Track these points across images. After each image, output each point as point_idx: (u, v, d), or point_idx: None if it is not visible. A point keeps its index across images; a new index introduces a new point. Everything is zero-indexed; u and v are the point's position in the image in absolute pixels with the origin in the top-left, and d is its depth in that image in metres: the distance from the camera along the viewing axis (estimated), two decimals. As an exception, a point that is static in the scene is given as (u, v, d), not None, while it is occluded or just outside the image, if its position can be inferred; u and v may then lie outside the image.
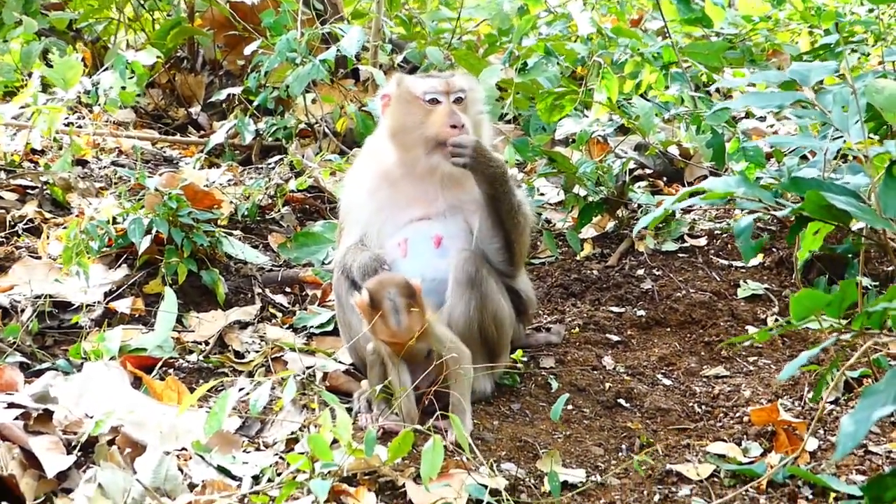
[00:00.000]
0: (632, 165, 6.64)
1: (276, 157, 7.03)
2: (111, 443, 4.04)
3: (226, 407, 3.80)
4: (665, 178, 7.04)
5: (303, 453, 3.85)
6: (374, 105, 5.21)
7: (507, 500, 3.83)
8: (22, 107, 7.14)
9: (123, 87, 7.07)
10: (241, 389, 4.01)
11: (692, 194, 3.44)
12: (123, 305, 5.21)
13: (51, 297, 5.11)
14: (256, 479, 3.99)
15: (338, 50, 6.87)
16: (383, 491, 4.00)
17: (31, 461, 3.85)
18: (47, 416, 4.10)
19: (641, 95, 6.45)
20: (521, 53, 6.77)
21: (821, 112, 3.75)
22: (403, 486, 3.99)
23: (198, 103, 9.00)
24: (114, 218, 5.33)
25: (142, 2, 9.40)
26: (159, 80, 9.25)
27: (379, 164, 4.92)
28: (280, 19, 7.46)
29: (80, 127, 7.40)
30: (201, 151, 7.41)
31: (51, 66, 7.20)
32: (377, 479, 4.04)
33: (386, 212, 4.84)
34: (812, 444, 4.40)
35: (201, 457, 4.09)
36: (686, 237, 6.20)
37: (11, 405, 4.09)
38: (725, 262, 5.95)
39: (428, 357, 4.37)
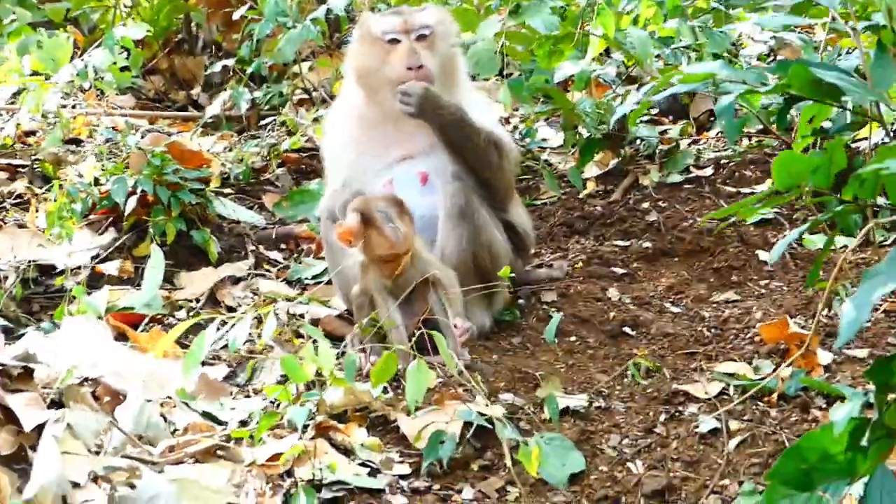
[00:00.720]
0: (634, 105, 6.42)
1: (270, 120, 6.86)
2: (95, 396, 3.92)
3: (203, 345, 3.64)
4: (671, 116, 6.82)
5: (282, 382, 3.70)
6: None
7: (504, 425, 3.66)
8: (15, 93, 7.07)
9: (115, 64, 6.91)
10: (219, 329, 3.84)
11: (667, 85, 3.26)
12: (111, 268, 5.08)
13: (35, 262, 4.97)
14: (244, 423, 3.84)
15: (328, 9, 6.71)
16: (375, 426, 3.86)
17: (9, 417, 3.72)
18: (28, 374, 3.96)
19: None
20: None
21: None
22: (395, 420, 3.84)
23: (198, 84, 8.86)
24: (97, 180, 5.19)
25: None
26: (159, 66, 9.12)
27: (353, 107, 4.79)
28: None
29: (74, 107, 7.28)
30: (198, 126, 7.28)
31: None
32: (368, 415, 3.89)
33: (368, 155, 4.71)
34: (826, 357, 4.21)
35: (186, 404, 3.96)
36: (692, 168, 5.97)
37: (-10, 364, 3.97)
38: (733, 190, 5.72)
39: (415, 291, 4.22)
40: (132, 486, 3.19)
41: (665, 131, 6.35)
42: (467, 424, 3.73)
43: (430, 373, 3.43)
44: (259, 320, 3.81)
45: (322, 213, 4.76)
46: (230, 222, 5.66)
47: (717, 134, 6.39)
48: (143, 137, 6.32)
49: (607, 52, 6.49)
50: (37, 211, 5.59)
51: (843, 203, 2.94)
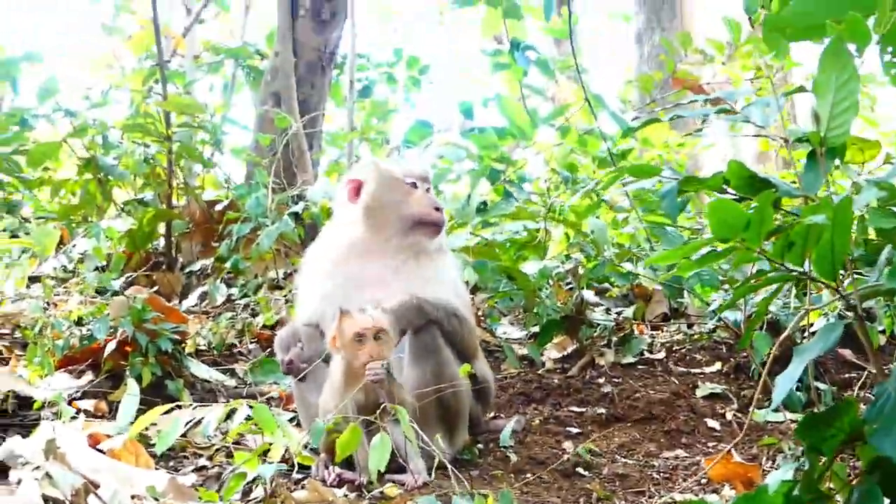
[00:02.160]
0: (593, 300, 6.85)
1: (245, 300, 7.22)
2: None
3: (177, 427, 3.87)
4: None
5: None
6: (337, 192, 5.47)
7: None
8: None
9: (98, 248, 7.29)
10: (191, 414, 4.05)
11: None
12: (87, 405, 5.28)
13: (13, 392, 5.18)
14: (212, 520, 4.00)
15: (305, 205, 7.21)
16: (338, 525, 4.03)
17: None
18: (3, 471, 4.13)
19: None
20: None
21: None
22: (360, 519, 4.03)
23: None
24: (80, 320, 5.48)
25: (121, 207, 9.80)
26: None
27: (335, 248, 5.16)
28: (252, 189, 7.84)
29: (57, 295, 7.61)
30: (173, 317, 7.59)
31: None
32: (332, 514, 4.08)
33: (338, 293, 5.00)
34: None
35: (155, 499, 4.12)
36: (645, 352, 6.35)
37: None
38: (684, 370, 6.08)
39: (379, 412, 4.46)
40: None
41: (619, 313, 6.74)
42: (428, 520, 3.92)
43: (390, 445, 3.65)
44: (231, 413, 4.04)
45: (276, 344, 5.07)
46: (202, 381, 5.91)
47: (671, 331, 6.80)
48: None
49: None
50: (17, 362, 5.83)
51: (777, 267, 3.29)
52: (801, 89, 4.21)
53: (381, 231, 5.11)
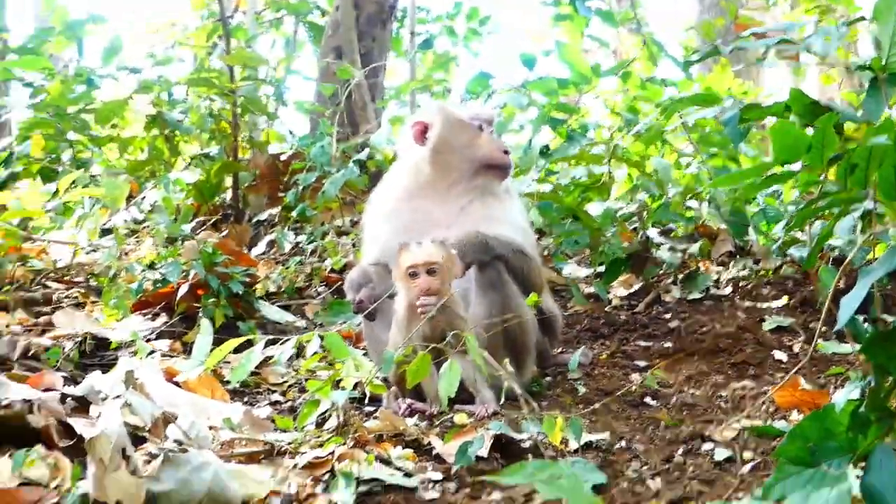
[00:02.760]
0: (658, 239, 6.87)
1: (313, 245, 7.33)
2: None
3: (253, 357, 3.98)
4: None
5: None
6: (402, 135, 5.54)
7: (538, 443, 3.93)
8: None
9: (168, 198, 7.43)
10: (266, 346, 4.16)
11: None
12: (162, 345, 5.43)
13: (91, 334, 5.34)
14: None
15: (369, 153, 7.29)
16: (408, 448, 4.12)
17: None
18: (84, 406, 4.26)
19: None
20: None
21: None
22: (428, 443, 4.12)
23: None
24: (152, 264, 5.61)
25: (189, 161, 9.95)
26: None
27: (402, 188, 5.23)
28: (317, 139, 7.94)
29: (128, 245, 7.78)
30: (243, 265, 7.73)
31: (99, 186, 7.66)
32: (402, 440, 4.17)
33: (405, 233, 5.07)
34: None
35: (231, 429, 4.24)
36: (711, 288, 6.38)
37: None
38: (750, 304, 6.10)
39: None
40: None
41: (685, 251, 6.75)
42: (496, 444, 4.00)
43: (460, 370, 3.73)
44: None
45: (347, 285, 5.13)
46: (273, 322, 6.03)
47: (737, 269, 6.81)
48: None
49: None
50: (93, 307, 5.99)
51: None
52: (862, 19, 4.21)
53: (448, 172, 5.18)
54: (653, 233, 6.54)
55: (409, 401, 4.54)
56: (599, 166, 7.43)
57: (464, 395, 4.47)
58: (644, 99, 8.12)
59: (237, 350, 4.55)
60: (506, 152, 5.23)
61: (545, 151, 6.84)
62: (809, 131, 3.29)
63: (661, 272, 6.50)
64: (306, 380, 5.01)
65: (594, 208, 6.69)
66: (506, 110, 8.67)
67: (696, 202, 6.56)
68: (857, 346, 5.39)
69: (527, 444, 4.05)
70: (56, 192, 7.28)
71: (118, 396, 3.67)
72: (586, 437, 4.19)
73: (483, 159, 5.17)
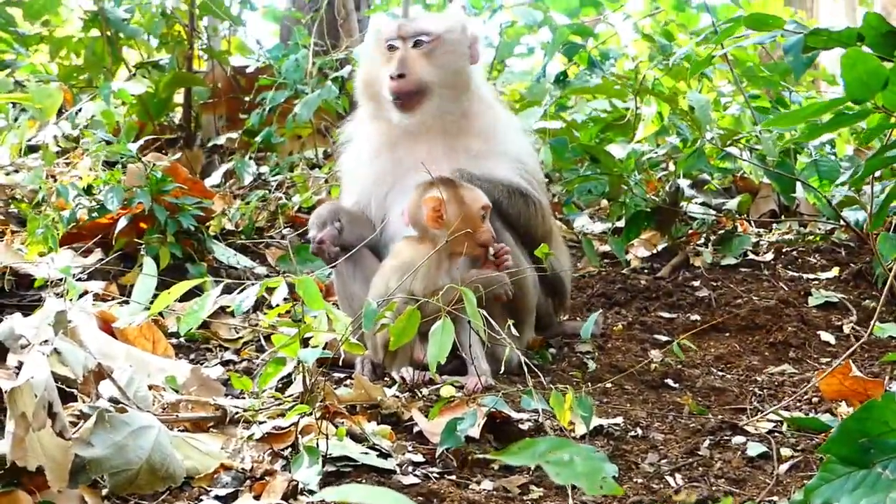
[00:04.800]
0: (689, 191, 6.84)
1: (278, 178, 7.30)
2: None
3: (206, 303, 3.95)
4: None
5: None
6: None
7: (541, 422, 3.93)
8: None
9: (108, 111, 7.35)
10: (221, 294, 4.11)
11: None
12: (95, 287, 5.38)
13: (10, 268, 5.29)
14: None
15: (350, 70, 7.22)
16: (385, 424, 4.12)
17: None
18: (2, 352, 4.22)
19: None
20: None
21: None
22: (409, 419, 4.11)
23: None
24: (89, 188, 5.57)
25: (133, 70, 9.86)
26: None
27: (375, 127, 5.19)
28: (289, 51, 7.87)
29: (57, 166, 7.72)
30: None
31: (27, 95, 7.58)
32: (378, 413, 4.16)
33: (387, 179, 5.07)
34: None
35: (175, 391, 4.22)
36: (749, 253, 6.37)
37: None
38: (795, 274, 6.10)
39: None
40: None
41: (720, 207, 6.74)
42: (489, 424, 3.99)
43: (452, 332, 3.70)
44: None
45: (311, 219, 5.08)
46: (228, 267, 6.00)
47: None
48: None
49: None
50: (13, 237, 5.94)
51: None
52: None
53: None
54: (683, 183, 6.49)
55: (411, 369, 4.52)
56: (623, 101, 7.41)
57: (456, 364, 4.49)
58: (679, 27, 8.08)
59: (184, 297, 4.55)
60: (400, 76, 4.92)
61: (561, 79, 6.76)
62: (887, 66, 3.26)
63: (691, 231, 6.48)
64: (266, 336, 5.00)
65: (615, 150, 6.65)
66: (511, 31, 8.62)
67: (735, 150, 6.49)
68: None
69: (526, 426, 4.04)
70: (-29, 99, 7.22)
71: (45, 342, 3.62)
72: (596, 421, 4.18)
73: (384, 94, 5.02)
